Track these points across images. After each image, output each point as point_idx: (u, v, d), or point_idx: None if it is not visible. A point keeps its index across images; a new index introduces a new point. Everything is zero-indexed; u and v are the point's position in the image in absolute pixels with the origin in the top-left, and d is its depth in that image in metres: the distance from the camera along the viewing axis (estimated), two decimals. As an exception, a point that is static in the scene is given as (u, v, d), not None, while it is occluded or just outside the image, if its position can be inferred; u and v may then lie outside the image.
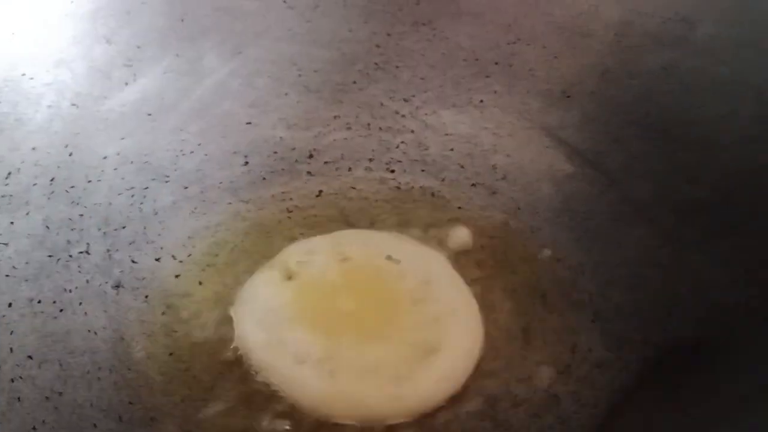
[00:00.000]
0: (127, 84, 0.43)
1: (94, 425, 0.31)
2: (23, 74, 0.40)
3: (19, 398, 0.31)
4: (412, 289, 0.36)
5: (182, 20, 0.45)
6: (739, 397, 0.30)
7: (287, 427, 0.31)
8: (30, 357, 0.33)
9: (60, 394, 0.32)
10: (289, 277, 0.36)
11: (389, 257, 0.37)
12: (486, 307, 0.37)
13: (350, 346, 0.33)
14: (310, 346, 0.33)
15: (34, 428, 0.30)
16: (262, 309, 0.35)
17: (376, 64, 0.46)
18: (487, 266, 0.39)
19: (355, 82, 0.46)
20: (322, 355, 0.32)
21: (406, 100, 0.46)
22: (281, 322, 0.34)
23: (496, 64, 0.45)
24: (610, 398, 0.33)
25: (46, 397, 0.31)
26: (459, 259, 0.39)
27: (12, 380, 0.31)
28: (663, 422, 0.31)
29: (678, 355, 0.33)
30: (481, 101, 0.45)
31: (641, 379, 0.33)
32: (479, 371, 0.34)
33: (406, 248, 0.38)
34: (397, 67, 0.46)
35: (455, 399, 0.33)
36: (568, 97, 0.43)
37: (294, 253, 0.37)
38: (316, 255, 0.37)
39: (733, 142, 0.38)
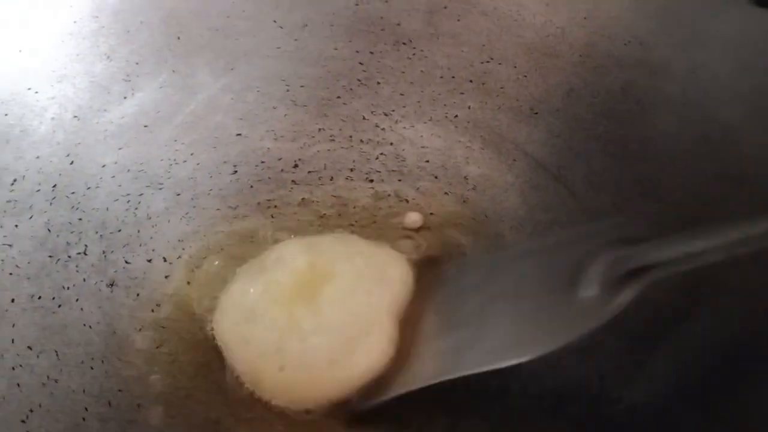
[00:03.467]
0: (125, 98, 0.46)
1: (86, 409, 0.34)
2: (29, 88, 0.44)
3: (18, 384, 0.34)
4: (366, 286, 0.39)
5: (178, 38, 0.48)
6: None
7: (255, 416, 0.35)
8: (30, 347, 0.36)
9: (56, 381, 0.35)
10: (262, 278, 0.39)
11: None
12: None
13: (299, 339, 0.36)
14: (268, 341, 0.36)
15: (31, 411, 0.33)
16: (236, 309, 0.38)
17: (359, 80, 0.50)
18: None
19: (339, 97, 0.49)
20: (275, 349, 0.36)
21: (386, 114, 0.49)
22: (247, 321, 0.37)
23: (471, 81, 0.48)
24: (554, 392, 0.35)
25: (43, 384, 0.35)
26: (425, 263, 0.42)
27: (13, 368, 0.35)
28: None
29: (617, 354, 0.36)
30: (456, 116, 0.48)
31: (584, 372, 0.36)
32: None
33: (368, 250, 0.41)
34: (378, 83, 0.49)
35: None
36: (536, 113, 0.46)
37: (269, 256, 0.41)
38: (287, 257, 0.40)
39: (683, 158, 0.41)
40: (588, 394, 0.35)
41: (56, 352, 0.36)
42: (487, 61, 0.48)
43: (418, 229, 0.45)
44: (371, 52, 0.50)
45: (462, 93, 0.48)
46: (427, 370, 0.34)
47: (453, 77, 0.49)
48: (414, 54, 0.50)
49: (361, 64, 0.50)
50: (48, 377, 0.35)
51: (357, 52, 0.50)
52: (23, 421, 0.33)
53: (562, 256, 0.33)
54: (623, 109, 0.44)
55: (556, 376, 0.36)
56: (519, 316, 0.33)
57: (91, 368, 0.36)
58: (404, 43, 0.50)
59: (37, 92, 0.44)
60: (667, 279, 0.36)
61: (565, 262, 0.32)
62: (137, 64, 0.47)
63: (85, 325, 0.38)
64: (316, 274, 0.38)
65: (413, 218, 0.45)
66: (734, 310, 0.34)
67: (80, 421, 0.34)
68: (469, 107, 0.48)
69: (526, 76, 0.47)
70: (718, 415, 0.31)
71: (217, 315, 0.39)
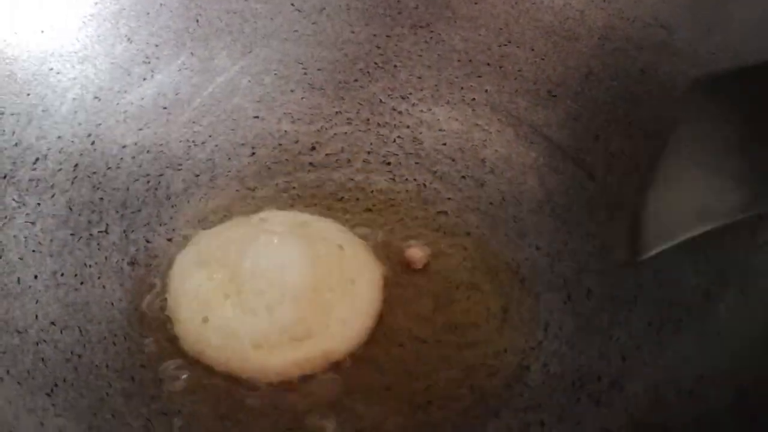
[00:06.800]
0: (145, 80, 0.46)
1: (109, 384, 0.35)
2: (51, 69, 0.44)
3: (42, 359, 0.35)
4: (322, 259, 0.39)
5: (197, 21, 0.48)
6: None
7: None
8: (53, 323, 0.36)
9: (79, 356, 0.35)
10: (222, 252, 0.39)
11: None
12: (469, 287, 0.40)
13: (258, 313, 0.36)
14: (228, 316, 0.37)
15: (56, 385, 0.34)
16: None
17: (376, 63, 0.50)
18: (471, 251, 0.42)
19: (356, 81, 0.49)
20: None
21: (403, 98, 0.49)
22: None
23: (488, 65, 0.48)
24: (575, 370, 0.36)
25: (67, 359, 0.35)
26: (443, 244, 0.42)
27: (37, 343, 0.35)
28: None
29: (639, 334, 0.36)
30: (473, 99, 0.48)
31: (606, 352, 0.36)
32: (461, 344, 0.38)
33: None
34: (395, 66, 0.49)
35: (438, 367, 0.37)
36: (554, 96, 0.46)
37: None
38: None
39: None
40: (609, 373, 0.35)
41: (79, 328, 0.37)
42: (505, 45, 0.48)
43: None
44: (388, 36, 0.50)
45: (479, 76, 0.48)
46: None
47: (470, 60, 0.49)
48: (431, 38, 0.50)
49: (378, 47, 0.50)
50: (72, 353, 0.35)
51: (374, 35, 0.50)
52: (48, 395, 0.33)
53: None
54: (644, 91, 0.44)
55: (577, 354, 0.36)
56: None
57: (114, 344, 0.37)
58: (421, 27, 0.50)
59: (59, 73, 0.44)
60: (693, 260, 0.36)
61: None
62: (157, 46, 0.47)
63: (107, 302, 0.38)
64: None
65: (416, 256, 0.43)
66: (762, 294, 0.34)
67: (104, 396, 0.34)
68: (486, 90, 0.48)
69: (544, 59, 0.47)
70: (746, 399, 0.31)
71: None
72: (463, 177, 0.46)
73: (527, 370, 0.36)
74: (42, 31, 0.44)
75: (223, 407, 0.35)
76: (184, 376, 0.36)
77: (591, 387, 0.35)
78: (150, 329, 0.38)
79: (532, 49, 0.48)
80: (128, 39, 0.47)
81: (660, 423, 0.32)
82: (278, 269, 0.37)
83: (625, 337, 0.36)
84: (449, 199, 0.45)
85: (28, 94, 0.43)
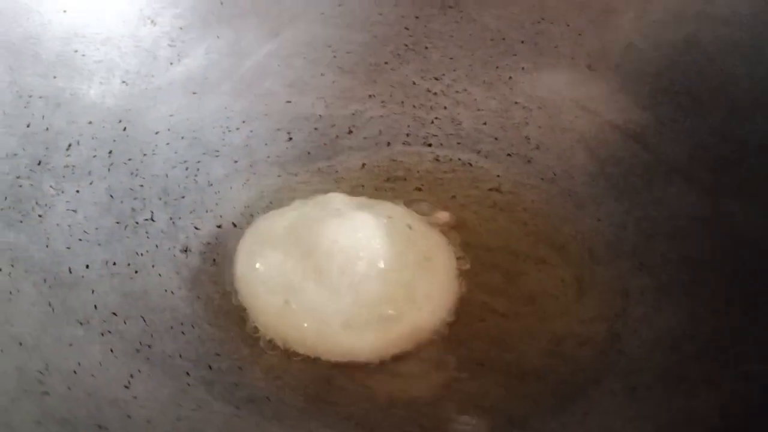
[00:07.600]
0: (172, 64, 0.44)
1: (187, 373, 0.32)
2: (75, 51, 0.41)
3: (111, 350, 0.32)
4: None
5: (222, 3, 0.46)
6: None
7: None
8: (114, 314, 0.33)
9: (149, 346, 0.33)
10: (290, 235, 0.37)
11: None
12: (536, 260, 0.39)
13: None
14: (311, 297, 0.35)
15: (132, 376, 0.31)
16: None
17: (406, 45, 0.48)
18: (531, 225, 0.41)
19: (387, 63, 0.48)
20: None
21: (437, 79, 0.48)
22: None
23: (522, 42, 0.48)
24: (668, 333, 0.35)
25: (137, 350, 0.32)
26: (502, 220, 0.41)
27: (102, 334, 0.32)
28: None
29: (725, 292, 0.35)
30: (510, 78, 0.47)
31: (694, 312, 0.35)
32: (543, 315, 0.36)
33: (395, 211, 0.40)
34: (426, 48, 0.48)
35: (525, 339, 0.35)
36: (594, 70, 0.46)
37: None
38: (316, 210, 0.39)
39: (754, 101, 0.41)
40: (704, 331, 0.34)
41: (143, 318, 0.34)
42: (539, 21, 0.48)
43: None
44: (417, 17, 0.49)
45: (514, 54, 0.48)
46: None
47: (503, 39, 0.48)
48: (462, 17, 0.49)
49: (407, 29, 0.49)
50: (140, 343, 0.32)
51: (402, 16, 0.49)
52: (126, 387, 0.30)
53: None
54: (688, 60, 0.43)
55: (665, 317, 0.35)
56: None
57: (183, 333, 0.34)
58: (450, 7, 0.49)
59: (84, 55, 0.41)
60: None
61: None
62: (181, 29, 0.45)
63: (166, 290, 0.36)
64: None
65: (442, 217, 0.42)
66: None
67: (185, 386, 0.31)
68: (522, 68, 0.47)
69: (580, 35, 0.47)
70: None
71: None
72: (509, 155, 0.45)
73: (618, 337, 0.35)
74: (64, 11, 0.41)
75: (313, 390, 0.32)
76: (265, 362, 0.33)
77: (688, 347, 0.34)
78: (217, 316, 0.35)
79: (568, 25, 0.47)
80: (152, 21, 0.44)
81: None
82: (355, 248, 0.35)
83: (711, 296, 0.35)
84: (498, 176, 0.44)
85: (55, 77, 0.40)
